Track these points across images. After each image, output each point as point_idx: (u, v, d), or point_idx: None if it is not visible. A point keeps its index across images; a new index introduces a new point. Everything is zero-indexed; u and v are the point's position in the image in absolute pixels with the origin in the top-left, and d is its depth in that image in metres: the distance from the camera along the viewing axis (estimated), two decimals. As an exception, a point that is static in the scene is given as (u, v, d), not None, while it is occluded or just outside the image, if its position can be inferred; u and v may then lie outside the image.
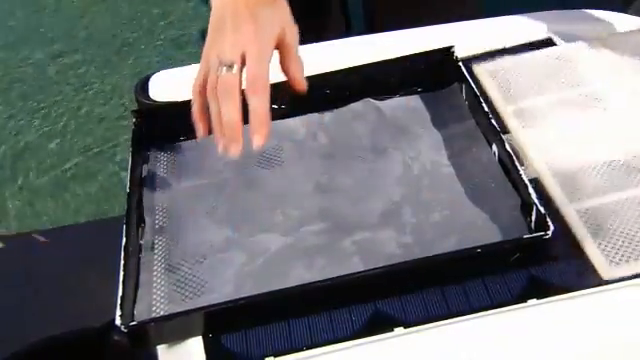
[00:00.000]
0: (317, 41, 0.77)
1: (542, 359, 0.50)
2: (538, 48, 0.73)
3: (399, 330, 0.52)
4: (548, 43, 0.74)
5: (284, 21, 0.59)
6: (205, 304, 0.53)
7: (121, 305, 0.52)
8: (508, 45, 0.74)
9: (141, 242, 0.60)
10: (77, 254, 0.85)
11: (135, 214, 0.61)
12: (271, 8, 0.58)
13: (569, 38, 0.75)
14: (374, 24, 1.02)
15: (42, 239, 0.88)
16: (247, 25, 0.57)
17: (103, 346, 0.60)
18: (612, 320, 0.51)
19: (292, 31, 0.59)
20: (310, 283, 0.53)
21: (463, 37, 0.75)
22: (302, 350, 0.51)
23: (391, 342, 0.51)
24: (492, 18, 0.79)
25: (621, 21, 0.78)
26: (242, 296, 0.53)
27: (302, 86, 0.60)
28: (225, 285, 0.55)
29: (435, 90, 0.71)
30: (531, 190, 0.55)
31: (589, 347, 0.50)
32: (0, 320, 0.76)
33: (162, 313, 0.54)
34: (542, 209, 0.54)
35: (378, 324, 0.52)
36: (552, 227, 0.53)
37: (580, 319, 0.51)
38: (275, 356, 0.51)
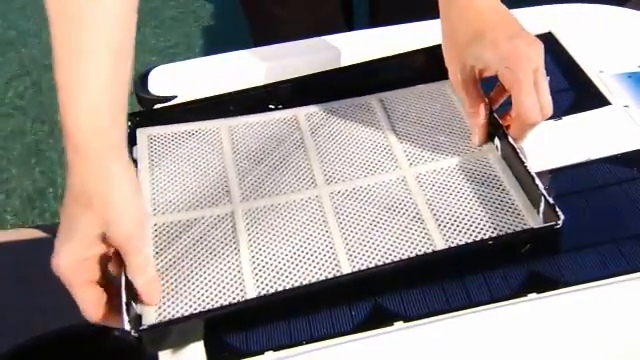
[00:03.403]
0: (319, 35, 0.77)
1: (542, 354, 0.50)
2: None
3: (399, 324, 0.52)
4: (548, 38, 0.74)
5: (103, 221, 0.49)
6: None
7: (127, 310, 0.51)
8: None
9: None
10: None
11: None
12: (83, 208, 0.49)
13: (570, 33, 0.75)
14: (378, 18, 1.02)
15: (42, 234, 0.88)
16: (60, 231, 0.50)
17: (103, 341, 0.59)
18: (614, 315, 0.51)
19: (118, 229, 0.50)
20: (312, 284, 0.53)
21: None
22: (302, 344, 0.51)
23: (391, 336, 0.51)
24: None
25: (621, 15, 0.78)
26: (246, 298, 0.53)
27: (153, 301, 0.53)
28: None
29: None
30: (538, 181, 0.55)
31: (591, 342, 0.50)
32: (1, 316, 0.77)
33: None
34: (550, 200, 0.54)
35: (378, 318, 0.52)
36: (562, 217, 0.53)
37: (581, 313, 0.51)
38: (275, 350, 0.51)
